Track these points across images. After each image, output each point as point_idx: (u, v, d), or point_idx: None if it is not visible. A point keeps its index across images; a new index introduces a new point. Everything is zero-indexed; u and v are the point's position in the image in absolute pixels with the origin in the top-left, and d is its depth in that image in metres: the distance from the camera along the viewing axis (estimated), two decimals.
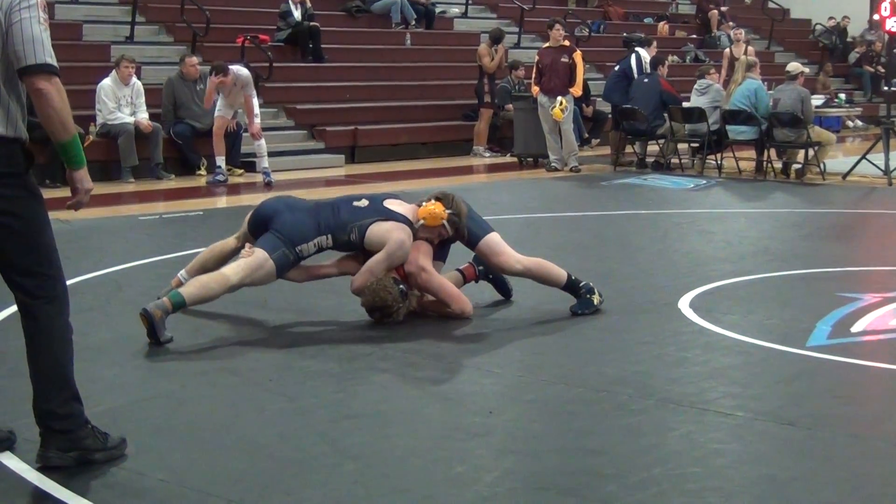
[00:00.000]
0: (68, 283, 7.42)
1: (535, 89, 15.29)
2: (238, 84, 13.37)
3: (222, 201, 12.50)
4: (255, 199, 12.57)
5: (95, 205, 11.72)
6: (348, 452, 4.43)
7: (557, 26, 15.33)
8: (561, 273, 6.77)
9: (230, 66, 13.41)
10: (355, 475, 4.21)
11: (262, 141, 13.68)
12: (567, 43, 15.37)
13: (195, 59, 14.48)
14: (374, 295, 6.38)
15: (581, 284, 6.76)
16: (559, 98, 14.83)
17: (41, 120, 4.10)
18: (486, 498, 4.01)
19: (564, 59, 14.98)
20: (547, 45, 15.49)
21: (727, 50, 19.26)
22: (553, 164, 15.28)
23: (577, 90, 15.08)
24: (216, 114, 13.62)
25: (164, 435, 4.67)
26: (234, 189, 13.34)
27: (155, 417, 4.89)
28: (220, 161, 13.61)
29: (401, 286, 6.42)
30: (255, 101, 13.67)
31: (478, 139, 17.16)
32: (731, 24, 25.16)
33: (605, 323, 6.58)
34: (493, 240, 6.70)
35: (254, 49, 16.16)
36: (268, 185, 13.26)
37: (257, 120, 13.60)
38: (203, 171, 13.95)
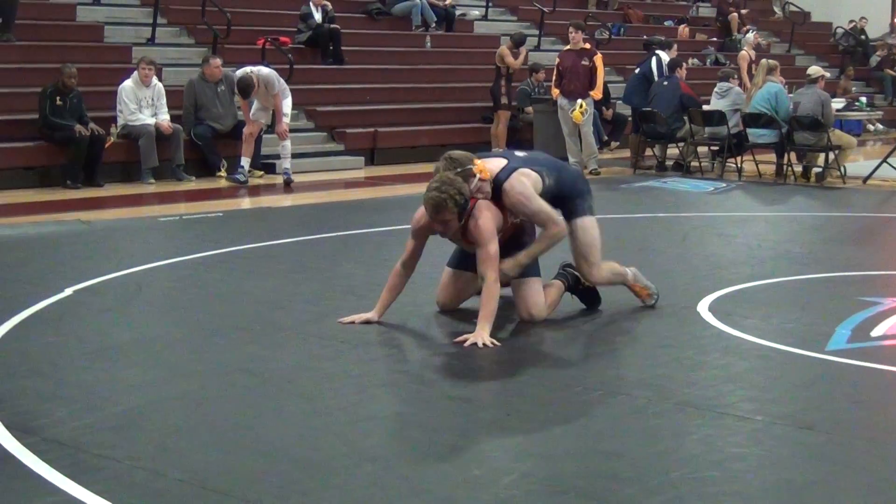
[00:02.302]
0: (89, 283, 7.55)
1: (556, 92, 15.30)
2: (261, 84, 13.41)
3: (242, 203, 12.52)
4: (274, 200, 12.67)
5: (116, 206, 11.81)
6: (366, 454, 4.44)
7: (571, 29, 15.32)
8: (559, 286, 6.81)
9: (251, 70, 13.44)
10: (373, 476, 4.22)
11: (288, 142, 13.71)
12: (588, 46, 15.33)
13: (218, 61, 14.51)
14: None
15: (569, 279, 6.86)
16: (579, 101, 14.82)
17: None
18: (503, 500, 4.01)
19: (585, 63, 14.96)
20: (568, 47, 15.47)
21: (743, 52, 19.26)
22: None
23: (596, 93, 15.06)
24: (251, 117, 13.66)
25: (183, 435, 4.69)
26: (254, 191, 13.37)
27: (174, 418, 4.91)
28: (245, 162, 13.64)
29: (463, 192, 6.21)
30: (287, 102, 13.66)
31: (496, 142, 17.15)
32: (748, 27, 25.14)
33: (624, 326, 6.58)
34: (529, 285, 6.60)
35: (274, 51, 16.20)
36: (287, 185, 13.36)
37: (286, 119, 13.64)
38: (223, 173, 13.99)
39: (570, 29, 15.38)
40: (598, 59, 15.06)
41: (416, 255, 6.57)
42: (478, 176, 6.33)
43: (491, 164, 6.49)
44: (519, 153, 6.82)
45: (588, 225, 6.66)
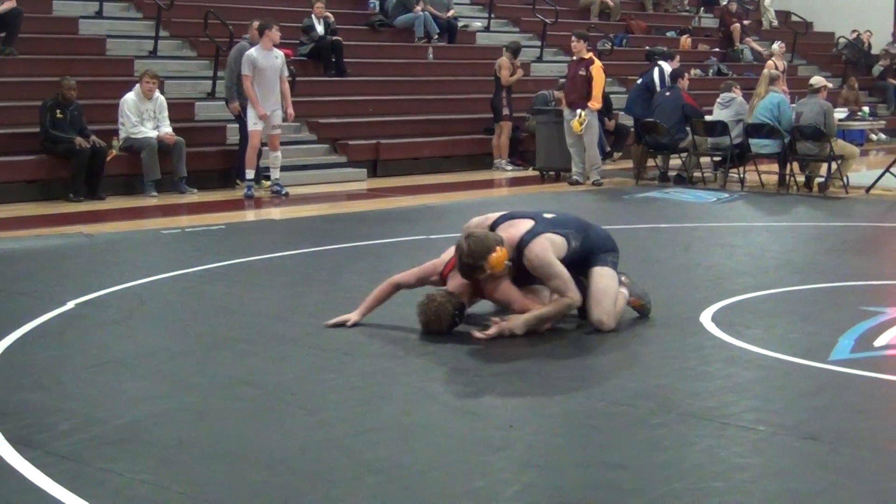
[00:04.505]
0: (91, 296, 7.55)
1: (562, 101, 15.42)
2: (278, 64, 13.52)
3: (244, 215, 12.52)
4: (276, 213, 12.67)
5: (119, 219, 11.81)
6: (369, 466, 4.44)
7: (573, 39, 15.39)
8: None
9: None
10: (376, 489, 4.21)
11: (279, 153, 13.75)
12: (587, 55, 15.29)
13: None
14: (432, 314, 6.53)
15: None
16: (578, 111, 14.87)
17: None
18: None
19: (581, 72, 15.00)
20: (574, 57, 15.49)
21: (770, 62, 19.29)
22: (575, 178, 15.27)
23: (593, 103, 14.96)
24: (251, 127, 13.51)
25: (186, 448, 4.68)
26: (257, 203, 13.36)
27: (176, 430, 4.90)
28: (251, 174, 13.64)
29: (456, 312, 6.53)
30: None
31: (498, 153, 17.15)
32: (755, 37, 25.14)
33: (627, 336, 6.57)
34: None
35: None
36: (280, 196, 13.51)
37: (290, 110, 13.76)
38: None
39: (572, 38, 15.43)
40: (595, 68, 14.99)
41: (414, 287, 6.85)
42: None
43: (516, 227, 6.59)
44: (548, 214, 6.78)
45: (605, 273, 6.69)
